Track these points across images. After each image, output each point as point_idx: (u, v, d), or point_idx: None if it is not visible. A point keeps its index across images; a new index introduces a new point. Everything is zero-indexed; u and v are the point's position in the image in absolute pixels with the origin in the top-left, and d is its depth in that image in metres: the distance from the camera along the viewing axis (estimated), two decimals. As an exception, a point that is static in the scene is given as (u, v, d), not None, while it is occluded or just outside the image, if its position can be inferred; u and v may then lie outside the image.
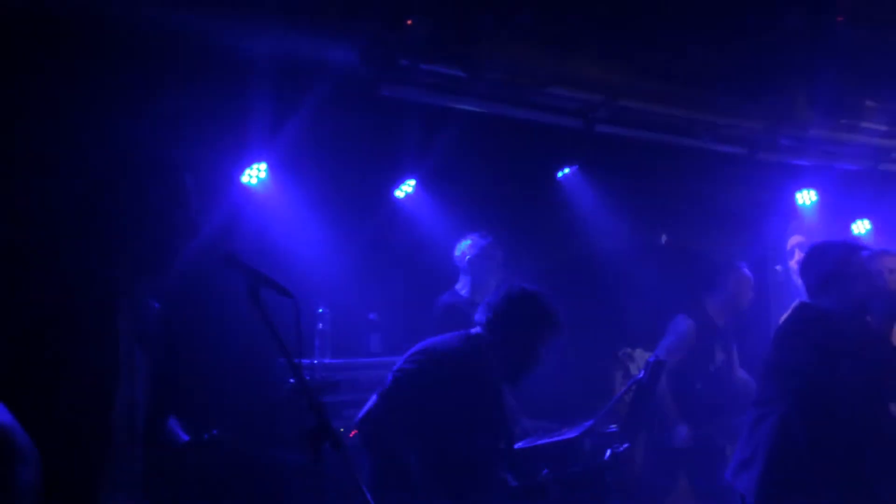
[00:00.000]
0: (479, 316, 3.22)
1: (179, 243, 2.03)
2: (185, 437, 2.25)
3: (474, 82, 4.04)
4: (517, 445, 4.14)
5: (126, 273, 2.00)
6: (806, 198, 6.04)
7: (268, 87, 3.83)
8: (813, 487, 3.33)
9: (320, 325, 4.19)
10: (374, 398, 2.99)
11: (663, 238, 5.91)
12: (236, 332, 3.50)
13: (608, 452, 3.62)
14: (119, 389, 1.94)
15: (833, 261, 3.54)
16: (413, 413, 2.90)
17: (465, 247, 4.49)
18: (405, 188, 4.78)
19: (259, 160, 4.20)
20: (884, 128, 5.72)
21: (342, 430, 3.97)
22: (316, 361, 4.10)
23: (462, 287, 4.50)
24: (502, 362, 3.14)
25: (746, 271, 4.95)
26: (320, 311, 4.22)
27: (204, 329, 3.64)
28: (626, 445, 3.69)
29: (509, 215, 4.98)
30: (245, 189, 4.24)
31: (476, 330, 3.21)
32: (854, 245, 3.63)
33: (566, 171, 5.07)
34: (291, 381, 2.83)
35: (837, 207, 6.17)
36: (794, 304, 3.62)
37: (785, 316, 3.61)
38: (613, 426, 4.58)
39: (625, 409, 4.62)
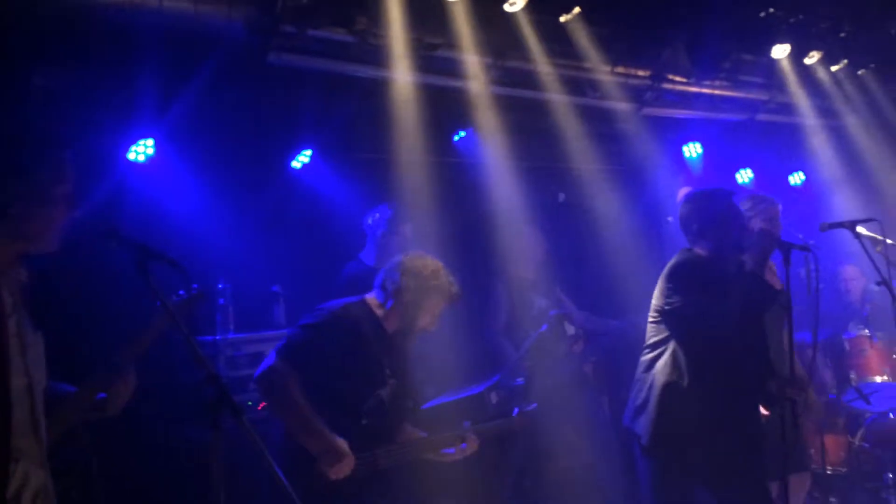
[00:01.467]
0: (376, 281, 3.35)
1: (58, 217, 1.99)
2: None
3: (364, 48, 4.02)
4: (428, 404, 4.27)
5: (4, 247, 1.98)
6: (692, 150, 6.32)
7: (154, 61, 3.73)
8: (699, 423, 3.55)
9: (221, 301, 4.15)
10: (271, 354, 3.10)
11: (561, 196, 6.07)
12: (131, 309, 3.42)
13: (516, 410, 3.75)
14: (11, 364, 1.93)
15: (708, 208, 3.74)
16: (304, 365, 3.04)
17: (375, 218, 4.51)
18: (302, 159, 4.73)
19: (146, 136, 4.08)
20: (760, 80, 6.03)
21: (250, 403, 3.97)
22: (219, 337, 4.06)
23: (367, 256, 4.53)
24: (396, 324, 3.26)
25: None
26: (220, 286, 4.17)
27: (97, 306, 3.57)
28: (533, 405, 3.83)
29: (410, 181, 5.00)
30: (132, 165, 4.11)
31: (371, 294, 3.31)
32: (727, 191, 3.82)
33: (462, 134, 5.12)
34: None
35: (721, 158, 6.49)
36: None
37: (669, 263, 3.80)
38: (520, 379, 4.76)
39: (532, 362, 4.80)
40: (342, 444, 2.99)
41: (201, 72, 3.94)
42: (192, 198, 4.30)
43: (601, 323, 5.47)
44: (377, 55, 4.11)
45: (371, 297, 3.32)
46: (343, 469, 2.99)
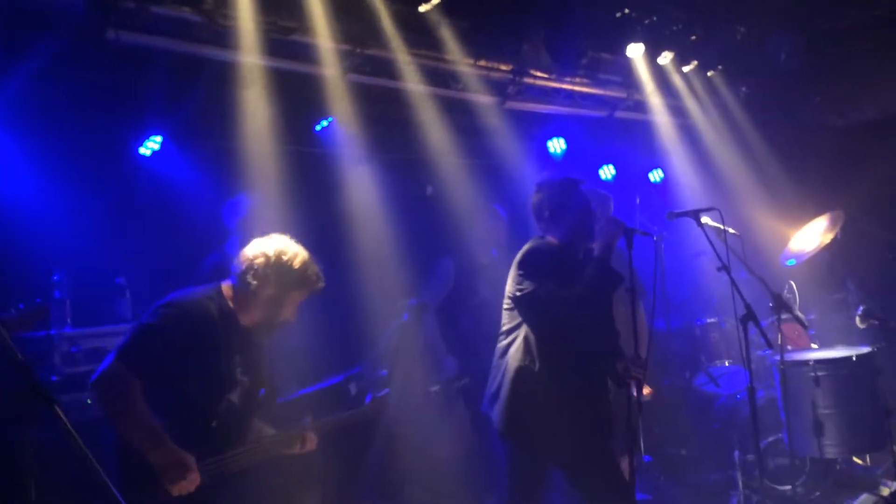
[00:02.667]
0: (234, 269, 3.16)
1: None
2: None
3: (213, 28, 3.88)
4: (287, 397, 4.17)
5: None
6: (556, 146, 6.48)
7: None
8: (551, 406, 3.62)
9: (57, 294, 3.89)
10: (109, 355, 2.84)
11: (429, 189, 6.08)
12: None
13: (368, 397, 3.71)
14: None
15: (558, 196, 3.83)
16: (146, 367, 2.80)
17: (234, 207, 4.35)
18: (151, 145, 4.51)
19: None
20: (618, 78, 6.26)
21: (89, 402, 3.74)
22: (53, 332, 3.81)
23: (231, 247, 4.37)
24: (255, 317, 3.10)
25: (501, 212, 5.27)
26: (55, 278, 3.91)
27: None
28: (386, 391, 3.79)
29: (272, 171, 4.87)
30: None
31: (228, 283, 3.13)
32: (576, 180, 3.92)
33: (325, 123, 5.04)
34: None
35: (585, 154, 6.68)
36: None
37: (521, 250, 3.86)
38: (384, 370, 4.74)
39: (392, 352, 4.78)
40: (188, 458, 2.75)
41: (38, 50, 3.69)
42: (28, 185, 4.01)
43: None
44: (227, 37, 3.97)
45: (227, 287, 3.09)
46: (187, 486, 2.75)
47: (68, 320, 3.91)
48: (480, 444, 5.11)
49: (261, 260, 3.01)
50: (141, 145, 4.48)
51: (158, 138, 4.50)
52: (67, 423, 2.18)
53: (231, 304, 3.03)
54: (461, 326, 5.23)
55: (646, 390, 4.55)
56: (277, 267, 3.01)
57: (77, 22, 3.57)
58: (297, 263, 3.05)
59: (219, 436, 2.93)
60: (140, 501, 2.75)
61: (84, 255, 4.10)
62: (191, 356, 2.85)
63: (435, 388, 4.98)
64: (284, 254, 3.05)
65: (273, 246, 3.07)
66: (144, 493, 2.76)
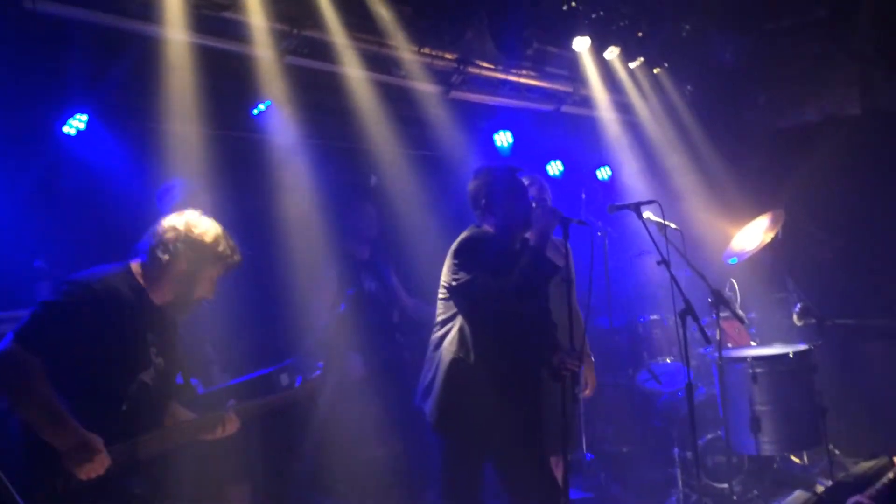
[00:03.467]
0: (142, 245, 3.00)
1: None
2: None
3: (140, 1, 3.71)
4: (212, 388, 4.01)
5: None
6: (503, 139, 6.42)
7: None
8: (484, 399, 3.54)
9: (-32, 275, 3.69)
10: (7, 336, 2.67)
11: (373, 179, 5.97)
12: None
13: (299, 379, 3.55)
14: None
15: (495, 183, 3.76)
16: (47, 348, 2.64)
17: (168, 192, 4.18)
18: (76, 124, 4.31)
19: None
20: (565, 72, 6.23)
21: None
22: (-38, 315, 3.62)
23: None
24: (167, 296, 2.96)
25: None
26: (-35, 259, 3.71)
27: None
28: (317, 373, 3.64)
29: (204, 156, 4.71)
30: None
31: (136, 261, 2.98)
32: (512, 167, 3.86)
33: (262, 107, 4.89)
34: None
35: (532, 148, 6.63)
36: None
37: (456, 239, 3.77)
38: (319, 362, 4.60)
39: (328, 343, 4.66)
40: (94, 439, 2.61)
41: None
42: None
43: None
44: (154, 10, 3.80)
45: (136, 265, 2.94)
46: (95, 468, 2.60)
47: (-20, 303, 3.71)
48: (413, 441, 5.01)
49: (171, 234, 2.89)
50: (64, 123, 4.28)
51: (84, 117, 4.30)
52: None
53: (141, 282, 2.88)
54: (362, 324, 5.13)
55: (587, 390, 4.55)
56: (188, 240, 2.89)
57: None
58: (208, 237, 2.93)
59: (130, 419, 2.78)
60: (47, 489, 2.60)
61: (1, 236, 3.89)
62: (96, 334, 2.69)
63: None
64: (195, 227, 2.93)
65: (183, 220, 2.95)
66: (51, 480, 2.61)
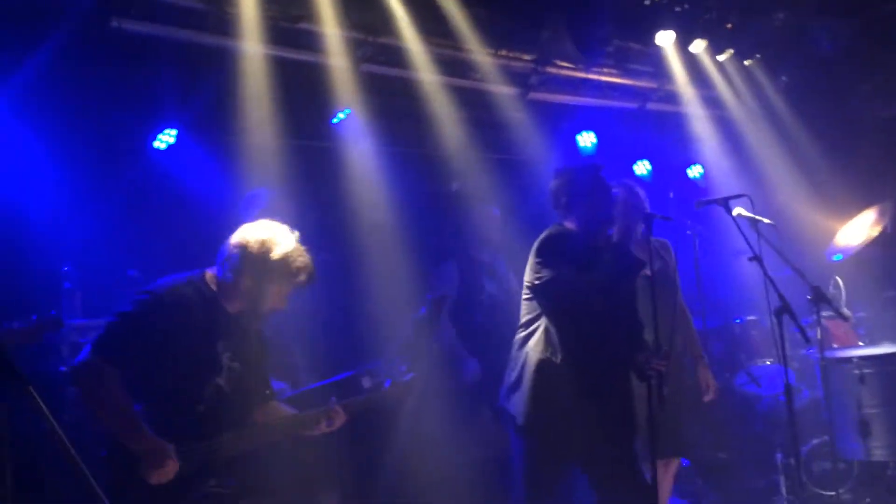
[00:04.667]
0: (218, 256, 3.06)
1: None
2: None
3: (220, 17, 3.84)
4: (294, 391, 4.07)
5: None
6: (586, 140, 6.29)
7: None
8: (572, 400, 3.44)
9: (67, 285, 3.89)
10: (86, 347, 2.79)
11: (454, 185, 5.96)
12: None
13: (388, 382, 3.53)
14: None
15: (577, 181, 3.68)
16: (121, 358, 2.74)
17: (252, 201, 4.31)
18: (166, 139, 4.50)
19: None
20: (649, 69, 6.05)
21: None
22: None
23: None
24: (239, 304, 3.01)
25: (494, 211, 5.22)
26: (65, 269, 3.91)
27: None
28: (410, 375, 3.62)
29: (286, 166, 4.82)
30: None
31: (212, 270, 3.05)
32: (596, 165, 3.77)
33: (342, 116, 4.96)
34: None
35: (617, 149, 6.46)
36: None
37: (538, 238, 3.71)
38: (402, 366, 4.60)
39: (410, 347, 4.65)
40: (165, 445, 2.69)
41: (47, 43, 3.70)
42: (42, 176, 4.03)
43: None
44: (233, 26, 3.92)
45: (211, 273, 3.00)
46: (166, 473, 2.68)
47: (78, 311, 3.90)
48: (505, 449, 4.93)
49: (238, 250, 2.91)
50: (155, 139, 4.47)
51: (173, 131, 4.49)
52: (42, 405, 2.12)
53: (215, 289, 2.94)
54: (476, 325, 5.08)
55: (709, 394, 4.46)
56: (254, 257, 2.88)
57: (82, 11, 3.56)
58: (276, 255, 2.90)
59: (207, 421, 2.84)
60: (126, 490, 2.69)
61: (97, 246, 4.10)
62: (169, 341, 2.77)
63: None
64: (264, 244, 2.91)
65: (256, 235, 2.94)
66: (131, 483, 2.69)
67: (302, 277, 2.98)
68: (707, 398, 4.65)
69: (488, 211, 5.18)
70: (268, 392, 3.24)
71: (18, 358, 2.92)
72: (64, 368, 3.79)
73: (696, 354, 4.68)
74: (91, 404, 2.77)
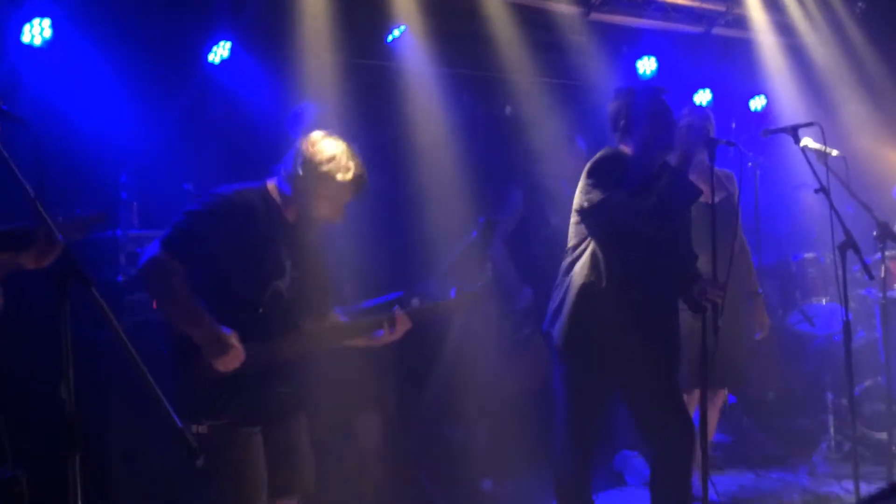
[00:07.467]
0: (278, 167, 3.08)
1: None
2: None
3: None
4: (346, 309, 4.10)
5: None
6: (646, 66, 6.06)
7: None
8: (616, 325, 3.39)
9: (123, 195, 3.94)
10: (154, 243, 2.84)
11: (507, 109, 5.82)
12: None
13: (453, 291, 3.44)
14: None
15: (636, 104, 3.55)
16: (188, 254, 2.78)
17: (298, 116, 4.26)
18: (220, 52, 4.46)
19: (42, 14, 3.79)
20: (716, -9, 5.76)
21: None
22: (119, 233, 3.87)
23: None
24: (296, 214, 3.03)
25: (579, 143, 5.00)
26: (122, 180, 3.95)
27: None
28: (478, 284, 3.56)
29: (340, 83, 4.75)
30: (27, 49, 3.84)
31: (273, 180, 3.06)
32: (657, 88, 3.65)
33: (396, 33, 4.84)
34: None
35: (678, 76, 6.22)
36: None
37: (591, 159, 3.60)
38: (454, 289, 4.59)
39: (459, 269, 4.64)
40: (229, 335, 2.74)
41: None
42: (100, 86, 4.04)
43: None
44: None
45: (272, 183, 3.03)
46: (231, 361, 2.74)
47: (135, 222, 3.96)
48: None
49: (296, 155, 2.93)
50: (209, 51, 4.43)
51: (227, 44, 4.44)
52: (104, 305, 2.15)
53: (276, 199, 2.98)
54: (535, 256, 5.03)
55: (762, 332, 4.54)
56: (306, 155, 2.91)
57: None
58: (325, 154, 2.90)
59: (266, 323, 2.89)
60: (190, 387, 2.77)
61: (153, 158, 4.13)
62: (232, 240, 2.82)
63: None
64: (314, 143, 2.93)
65: (307, 138, 2.97)
66: (191, 376, 2.77)
67: (360, 186, 2.98)
68: (759, 336, 4.59)
69: (571, 140, 4.99)
70: (327, 301, 3.25)
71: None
72: (121, 278, 3.88)
73: (752, 290, 4.60)
74: (158, 296, 2.86)
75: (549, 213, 4.94)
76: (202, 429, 2.74)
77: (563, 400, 3.55)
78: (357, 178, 2.97)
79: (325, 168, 2.91)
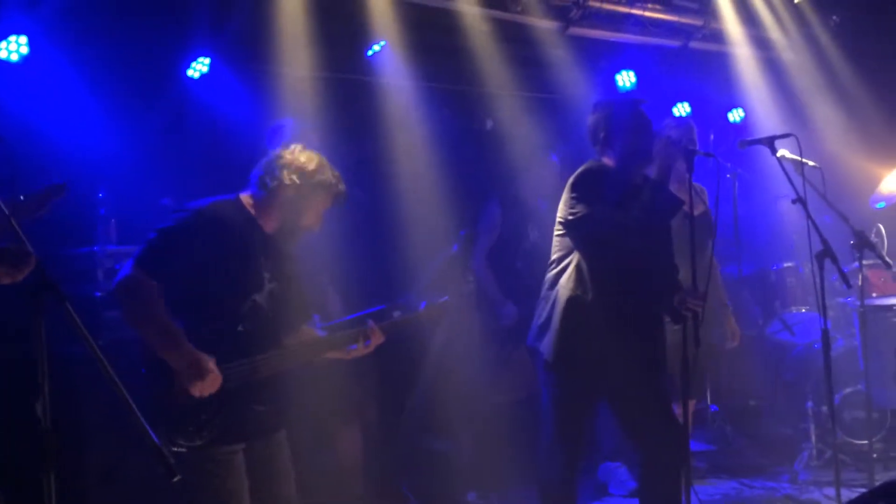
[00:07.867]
0: (252, 177, 3.06)
1: None
2: None
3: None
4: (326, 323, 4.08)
5: None
6: (625, 79, 6.12)
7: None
8: (603, 338, 3.41)
9: (101, 211, 3.91)
10: (128, 262, 2.80)
11: (489, 123, 5.85)
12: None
13: (423, 303, 3.46)
14: None
15: (616, 116, 3.58)
16: (163, 272, 2.74)
17: (277, 132, 4.26)
18: (199, 67, 4.45)
19: (18, 31, 3.77)
20: (694, 5, 5.84)
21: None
22: (97, 248, 3.84)
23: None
24: (276, 223, 3.02)
25: (554, 159, 5.06)
26: (100, 195, 3.93)
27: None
28: (444, 298, 3.58)
29: (320, 98, 4.75)
30: (3, 65, 3.82)
31: (246, 192, 3.05)
32: (635, 100, 3.68)
33: (376, 48, 4.86)
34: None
35: (657, 89, 6.28)
36: None
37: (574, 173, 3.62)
38: (423, 302, 4.59)
39: (442, 282, 4.65)
40: (205, 359, 2.70)
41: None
42: (76, 101, 4.02)
43: None
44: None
45: (245, 195, 3.01)
46: (208, 387, 2.69)
47: (113, 237, 3.93)
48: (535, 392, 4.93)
49: (277, 162, 2.94)
50: (188, 67, 4.42)
51: (206, 60, 4.44)
52: (77, 320, 2.12)
53: (251, 211, 2.96)
54: (516, 271, 5.03)
55: (733, 341, 4.55)
56: (293, 167, 2.92)
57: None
58: (312, 164, 2.94)
59: (246, 339, 2.86)
60: (166, 408, 2.72)
61: (131, 174, 4.09)
62: (208, 255, 2.78)
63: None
64: (300, 155, 2.95)
65: (289, 150, 2.98)
66: (168, 398, 2.73)
67: (339, 187, 3.01)
68: (729, 346, 4.61)
69: (551, 159, 5.02)
70: (305, 312, 3.24)
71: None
72: (99, 294, 3.84)
73: (721, 302, 4.64)
74: (132, 317, 2.77)
75: (527, 228, 4.96)
76: (181, 449, 2.70)
77: (552, 412, 3.55)
78: (340, 186, 3.03)
79: (316, 180, 2.94)
